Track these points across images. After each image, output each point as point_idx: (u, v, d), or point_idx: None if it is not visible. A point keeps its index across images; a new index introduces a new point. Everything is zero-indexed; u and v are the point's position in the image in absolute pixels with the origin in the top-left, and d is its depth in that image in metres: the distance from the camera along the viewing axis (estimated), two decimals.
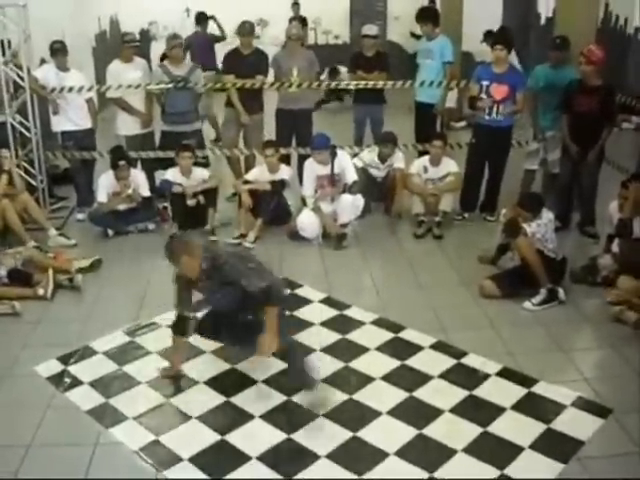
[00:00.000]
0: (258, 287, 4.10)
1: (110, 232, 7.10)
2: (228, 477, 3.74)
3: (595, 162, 6.80)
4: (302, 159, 7.53)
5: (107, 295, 5.85)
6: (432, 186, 7.28)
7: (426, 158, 7.42)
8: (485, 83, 7.07)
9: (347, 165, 6.97)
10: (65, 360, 4.84)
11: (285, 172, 7.29)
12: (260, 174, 7.29)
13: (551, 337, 5.13)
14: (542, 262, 5.56)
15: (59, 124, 7.55)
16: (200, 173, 7.23)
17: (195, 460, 3.87)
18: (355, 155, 7.76)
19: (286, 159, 7.81)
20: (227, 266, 4.22)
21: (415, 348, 4.96)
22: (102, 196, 7.09)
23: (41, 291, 5.69)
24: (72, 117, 7.51)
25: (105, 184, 7.10)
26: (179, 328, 4.52)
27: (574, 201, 7.12)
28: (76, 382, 4.60)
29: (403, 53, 14.79)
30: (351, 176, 6.93)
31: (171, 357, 4.72)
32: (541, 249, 5.63)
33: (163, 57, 9.07)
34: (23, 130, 7.53)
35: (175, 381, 4.60)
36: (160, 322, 5.29)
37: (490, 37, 9.36)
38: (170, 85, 7.54)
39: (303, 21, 13.45)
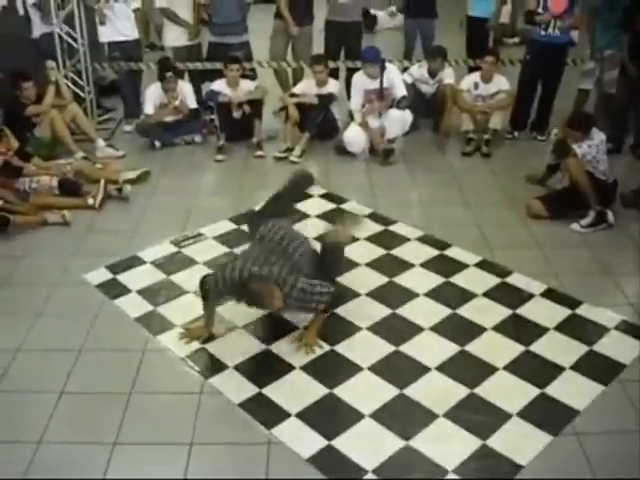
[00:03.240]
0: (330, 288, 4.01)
1: (157, 144, 7.12)
2: (272, 384, 3.82)
3: None
4: (350, 73, 7.39)
5: (154, 206, 5.91)
6: (482, 103, 7.17)
7: (477, 74, 7.26)
8: None
9: (396, 79, 6.81)
10: (114, 269, 4.94)
11: (333, 86, 7.18)
12: (308, 87, 7.20)
13: (597, 260, 5.08)
14: (592, 184, 5.47)
15: (106, 35, 7.48)
16: (247, 85, 7.16)
17: (240, 368, 3.96)
18: (405, 70, 7.62)
19: (334, 73, 7.68)
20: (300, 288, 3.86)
21: (460, 266, 4.96)
22: (149, 108, 7.09)
23: (91, 201, 5.77)
24: (119, 28, 7.45)
25: (152, 95, 7.08)
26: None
27: (628, 123, 6.92)
28: (124, 290, 4.70)
29: None
30: (400, 91, 6.78)
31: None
32: (591, 171, 5.51)
33: None
34: (70, 41, 7.50)
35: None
36: (206, 233, 5.35)
37: None
38: None
39: None
